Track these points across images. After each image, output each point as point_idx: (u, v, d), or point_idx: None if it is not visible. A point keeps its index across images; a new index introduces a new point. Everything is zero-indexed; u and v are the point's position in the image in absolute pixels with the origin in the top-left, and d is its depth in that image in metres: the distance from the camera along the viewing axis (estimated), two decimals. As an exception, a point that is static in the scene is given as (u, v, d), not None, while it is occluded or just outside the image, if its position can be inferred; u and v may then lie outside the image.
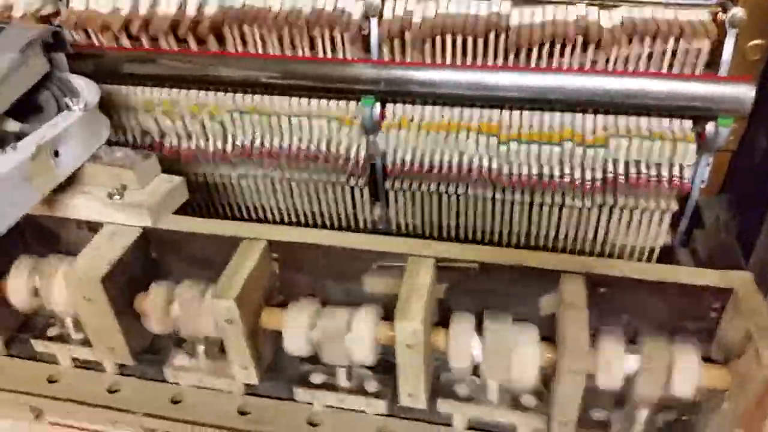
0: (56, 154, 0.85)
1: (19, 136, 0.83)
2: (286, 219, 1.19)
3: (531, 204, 1.04)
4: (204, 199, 1.19)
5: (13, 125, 0.89)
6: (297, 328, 0.82)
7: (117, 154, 0.89)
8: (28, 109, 0.89)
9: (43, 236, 0.96)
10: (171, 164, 1.11)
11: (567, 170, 0.98)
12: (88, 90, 0.94)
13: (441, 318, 0.83)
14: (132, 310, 0.88)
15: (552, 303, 0.80)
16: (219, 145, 1.09)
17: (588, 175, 0.98)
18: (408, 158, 1.04)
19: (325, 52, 1.00)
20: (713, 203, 1.08)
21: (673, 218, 1.02)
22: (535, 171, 0.99)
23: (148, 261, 0.90)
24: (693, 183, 0.99)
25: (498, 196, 1.04)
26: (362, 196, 1.11)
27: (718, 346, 0.79)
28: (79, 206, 0.88)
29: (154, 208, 0.87)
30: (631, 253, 1.07)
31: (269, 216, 1.18)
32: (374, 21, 0.98)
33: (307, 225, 1.19)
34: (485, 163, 1.01)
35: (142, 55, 1.06)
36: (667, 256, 1.08)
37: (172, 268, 0.92)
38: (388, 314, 0.81)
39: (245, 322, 0.80)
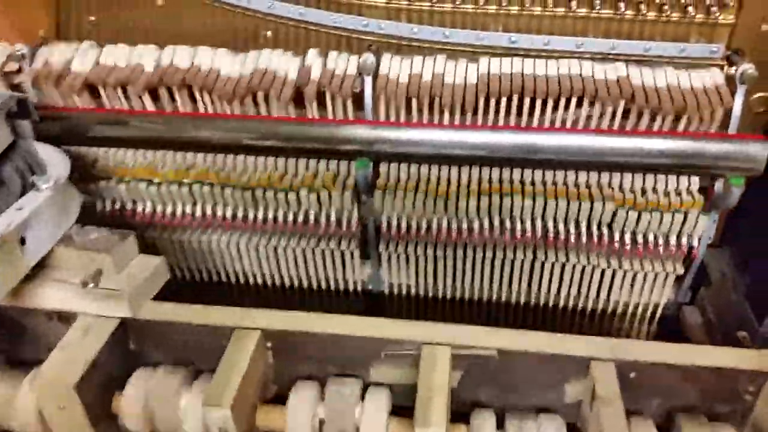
0: (22, 241, 0.75)
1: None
2: (269, 282, 1.11)
3: (533, 262, 0.98)
4: (180, 263, 1.10)
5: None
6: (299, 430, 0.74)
7: (91, 235, 0.81)
8: (-13, 185, 0.81)
9: (5, 327, 0.86)
10: (144, 230, 1.03)
11: (573, 228, 0.94)
12: (56, 162, 0.85)
13: (454, 409, 0.76)
14: (109, 411, 0.79)
15: (579, 390, 0.74)
16: (198, 212, 1.01)
17: (594, 235, 0.94)
18: (404, 220, 0.98)
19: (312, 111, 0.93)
20: (717, 257, 1.05)
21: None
22: (539, 228, 0.94)
23: (127, 354, 0.81)
24: (700, 243, 0.95)
25: (499, 255, 0.98)
26: (352, 257, 1.04)
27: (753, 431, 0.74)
28: (49, 296, 0.79)
29: (134, 296, 0.78)
30: (634, 309, 1.03)
31: (251, 280, 1.10)
32: (368, 79, 0.92)
33: (292, 288, 1.11)
34: (486, 223, 0.95)
35: (112, 116, 0.97)
36: (670, 311, 1.05)
37: (153, 358, 0.83)
38: (397, 398, 0.74)
39: (240, 427, 0.72)
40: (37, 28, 1.03)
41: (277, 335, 0.77)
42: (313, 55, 0.94)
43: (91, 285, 0.78)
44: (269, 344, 0.79)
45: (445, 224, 0.97)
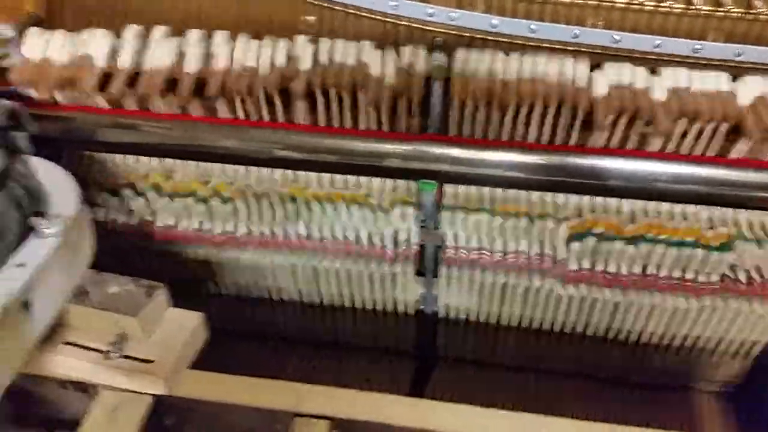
0: (25, 305, 0.60)
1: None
2: (307, 300, 0.97)
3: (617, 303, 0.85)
4: (200, 281, 0.96)
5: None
6: None
7: (110, 288, 0.66)
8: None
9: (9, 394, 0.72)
10: (161, 245, 0.88)
11: (677, 273, 0.80)
12: (60, 188, 0.68)
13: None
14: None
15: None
16: (227, 228, 0.86)
17: (702, 278, 0.80)
18: (473, 245, 0.83)
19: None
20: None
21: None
22: (636, 269, 0.81)
23: (161, 430, 0.68)
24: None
25: (585, 293, 0.84)
26: (406, 279, 0.91)
27: None
28: (62, 364, 0.65)
29: (170, 368, 0.64)
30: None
31: (287, 297, 0.96)
32: (437, 85, 0.75)
33: (332, 308, 0.98)
34: (572, 259, 0.81)
35: (122, 119, 0.80)
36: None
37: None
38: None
39: None
40: (21, 2, 0.85)
41: (348, 427, 0.64)
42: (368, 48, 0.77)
43: (115, 354, 0.64)
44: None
45: (524, 249, 0.83)
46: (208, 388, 0.66)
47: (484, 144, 0.76)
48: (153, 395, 0.65)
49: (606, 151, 0.74)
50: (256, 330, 1.03)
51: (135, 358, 0.64)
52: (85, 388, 0.67)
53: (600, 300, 0.86)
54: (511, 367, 1.04)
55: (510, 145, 0.75)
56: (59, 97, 0.79)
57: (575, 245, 0.80)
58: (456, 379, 1.03)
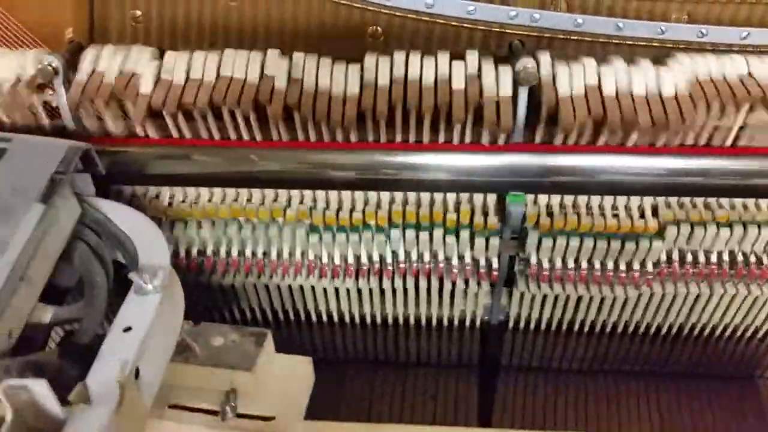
0: (137, 373, 0.54)
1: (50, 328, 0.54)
2: (369, 321, 0.92)
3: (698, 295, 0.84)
4: (261, 305, 0.90)
5: (46, 312, 0.58)
6: None
7: (214, 340, 0.60)
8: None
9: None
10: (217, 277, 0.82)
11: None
12: (145, 237, 0.62)
13: None
14: None
15: None
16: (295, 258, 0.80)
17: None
18: (557, 261, 0.80)
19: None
20: None
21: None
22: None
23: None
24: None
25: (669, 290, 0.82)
26: (477, 295, 0.87)
27: None
28: (170, 430, 0.59)
29: (291, 425, 0.59)
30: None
31: (349, 318, 0.91)
32: (524, 90, 0.71)
33: (396, 326, 0.93)
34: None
35: (175, 149, 0.73)
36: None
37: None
38: None
39: None
40: (61, 26, 0.77)
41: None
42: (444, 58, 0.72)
43: (229, 414, 0.58)
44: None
45: (610, 265, 0.80)
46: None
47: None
48: (276, 454, 0.59)
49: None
50: (314, 351, 0.98)
51: (250, 416, 0.59)
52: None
53: (681, 294, 0.83)
54: (573, 370, 1.02)
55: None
56: (114, 127, 0.72)
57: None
58: (521, 387, 1.01)
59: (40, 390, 0.45)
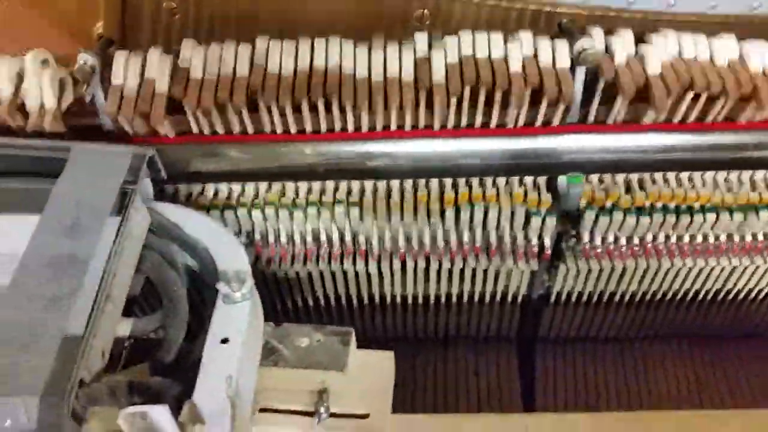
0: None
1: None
2: (411, 302, 0.92)
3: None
4: (305, 293, 0.89)
5: (125, 326, 0.57)
6: None
7: (299, 341, 0.59)
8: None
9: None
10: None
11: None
12: (219, 242, 0.61)
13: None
14: None
15: None
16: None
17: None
18: (610, 238, 0.81)
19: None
20: None
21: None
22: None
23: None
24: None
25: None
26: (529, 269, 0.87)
27: None
28: (264, 435, 0.59)
29: (380, 418, 0.59)
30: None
31: (390, 300, 0.91)
32: (581, 70, 0.71)
33: (438, 304, 0.94)
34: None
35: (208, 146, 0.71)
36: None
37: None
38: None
39: None
40: (90, 23, 0.73)
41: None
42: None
43: (324, 414, 0.58)
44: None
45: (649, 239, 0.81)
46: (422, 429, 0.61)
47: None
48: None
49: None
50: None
51: (344, 415, 0.59)
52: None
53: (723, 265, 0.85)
54: (610, 338, 1.03)
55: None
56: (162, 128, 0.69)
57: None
58: (560, 357, 1.03)
59: (161, 416, 0.45)
